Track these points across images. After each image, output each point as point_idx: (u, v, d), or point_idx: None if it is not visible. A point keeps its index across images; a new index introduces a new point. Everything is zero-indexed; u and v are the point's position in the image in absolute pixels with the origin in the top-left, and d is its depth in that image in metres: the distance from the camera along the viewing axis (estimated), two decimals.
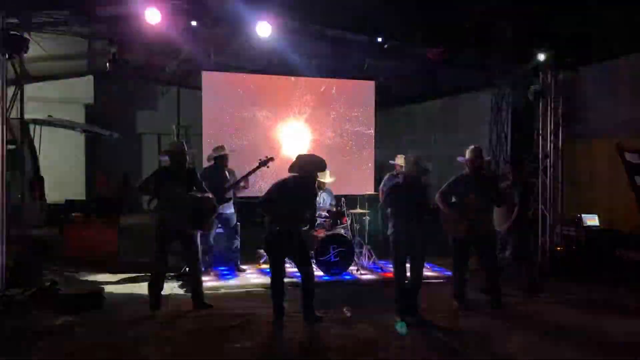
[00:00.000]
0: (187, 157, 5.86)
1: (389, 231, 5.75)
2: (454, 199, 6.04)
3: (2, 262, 6.06)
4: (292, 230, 5.45)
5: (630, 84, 8.61)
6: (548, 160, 8.74)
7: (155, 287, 5.74)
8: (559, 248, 8.38)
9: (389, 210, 5.83)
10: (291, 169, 5.55)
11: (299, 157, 5.60)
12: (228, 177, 7.51)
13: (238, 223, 7.93)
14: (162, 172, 5.84)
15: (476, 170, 5.99)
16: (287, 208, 5.38)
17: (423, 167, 5.64)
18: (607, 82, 9.01)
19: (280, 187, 5.52)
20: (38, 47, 9.19)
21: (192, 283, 5.98)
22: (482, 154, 6.09)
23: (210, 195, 5.87)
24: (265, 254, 7.74)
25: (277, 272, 5.54)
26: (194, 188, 5.82)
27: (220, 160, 7.53)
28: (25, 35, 6.54)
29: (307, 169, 5.49)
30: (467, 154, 6.07)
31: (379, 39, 9.35)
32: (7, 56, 6.28)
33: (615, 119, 8.69)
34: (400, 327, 5.27)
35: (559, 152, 8.73)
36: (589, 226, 8.29)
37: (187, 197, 5.66)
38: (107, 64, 8.17)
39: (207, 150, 8.43)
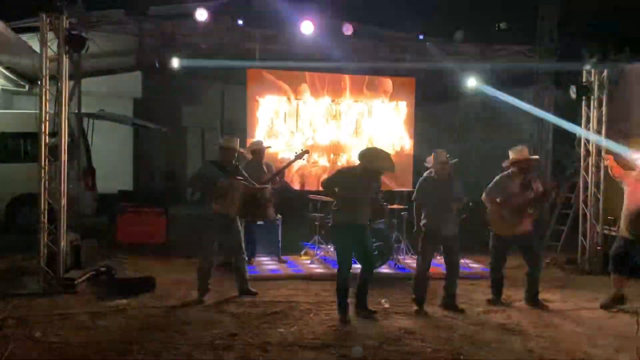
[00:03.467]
0: (237, 154, 6.17)
1: (422, 222, 5.92)
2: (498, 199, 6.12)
3: (63, 247, 6.49)
4: (361, 223, 5.57)
5: None
6: (590, 159, 8.68)
7: (204, 273, 6.06)
8: (599, 247, 8.34)
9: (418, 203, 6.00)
10: (361, 158, 5.57)
11: (375, 150, 5.77)
12: (265, 170, 7.78)
13: (279, 215, 8.21)
14: (211, 165, 6.14)
15: (522, 171, 6.04)
16: (356, 198, 5.49)
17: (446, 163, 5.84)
18: None
19: (349, 174, 5.67)
20: (91, 43, 9.70)
21: (237, 270, 6.29)
22: (527, 154, 6.08)
23: (266, 186, 6.15)
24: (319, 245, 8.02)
25: (346, 263, 5.56)
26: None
27: (256, 154, 7.80)
28: (84, 34, 6.93)
29: (376, 163, 5.50)
30: (512, 155, 6.10)
31: (420, 36, 9.50)
32: (68, 54, 6.67)
33: None
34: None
35: (602, 151, 8.65)
36: None
37: (238, 186, 5.92)
38: (157, 63, 8.56)
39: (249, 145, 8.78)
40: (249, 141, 8.76)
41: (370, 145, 9.31)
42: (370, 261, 5.76)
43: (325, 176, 5.83)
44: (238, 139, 6.26)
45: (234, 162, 6.16)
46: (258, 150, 7.78)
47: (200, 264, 6.09)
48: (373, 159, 5.50)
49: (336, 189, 5.57)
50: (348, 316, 5.47)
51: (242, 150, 6.37)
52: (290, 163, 7.38)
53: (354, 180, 5.53)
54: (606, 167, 6.53)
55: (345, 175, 5.73)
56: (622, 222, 5.95)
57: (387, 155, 5.70)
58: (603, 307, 6.09)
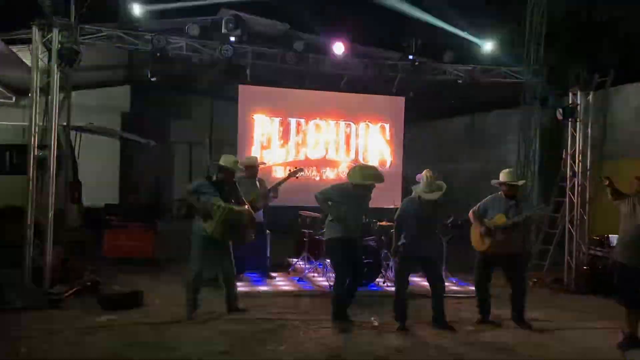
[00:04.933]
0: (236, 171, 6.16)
1: (400, 242, 5.96)
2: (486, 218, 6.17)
3: (49, 261, 6.40)
4: (354, 237, 5.82)
5: None
6: (576, 180, 8.81)
7: (194, 289, 6.01)
8: (585, 267, 8.42)
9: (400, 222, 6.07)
10: (351, 176, 5.77)
11: (361, 167, 5.88)
12: (258, 186, 7.79)
13: (268, 231, 8.19)
14: (208, 184, 6.12)
15: (509, 193, 6.10)
16: (348, 212, 5.71)
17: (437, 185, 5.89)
18: (637, 102, 9.07)
19: (341, 190, 5.84)
20: (82, 57, 9.68)
21: (227, 287, 6.23)
22: (515, 178, 6.17)
23: (247, 207, 6.09)
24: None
25: (343, 276, 5.79)
26: (233, 200, 6.01)
27: (250, 170, 7.81)
28: (77, 48, 6.92)
29: (363, 178, 5.70)
30: (501, 177, 6.16)
31: (410, 57, 9.62)
32: (60, 67, 6.66)
33: None
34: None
35: (587, 172, 8.79)
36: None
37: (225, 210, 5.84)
38: (149, 75, 8.57)
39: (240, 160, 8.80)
40: (243, 156, 8.78)
41: (358, 162, 9.42)
42: (361, 275, 5.94)
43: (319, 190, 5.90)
44: (237, 159, 6.25)
45: (231, 180, 6.13)
46: (251, 166, 7.79)
47: (189, 280, 6.03)
48: (359, 174, 5.70)
49: (329, 203, 5.79)
50: (347, 325, 5.71)
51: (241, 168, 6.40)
52: (283, 181, 7.43)
53: (346, 195, 5.76)
54: (592, 189, 6.27)
55: (338, 190, 5.90)
56: (618, 247, 5.69)
57: (372, 167, 5.84)
58: (621, 348, 5.40)
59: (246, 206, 6.07)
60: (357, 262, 5.91)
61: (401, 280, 5.97)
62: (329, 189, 5.98)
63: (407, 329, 5.80)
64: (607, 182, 5.75)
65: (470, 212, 6.28)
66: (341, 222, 5.73)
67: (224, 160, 6.10)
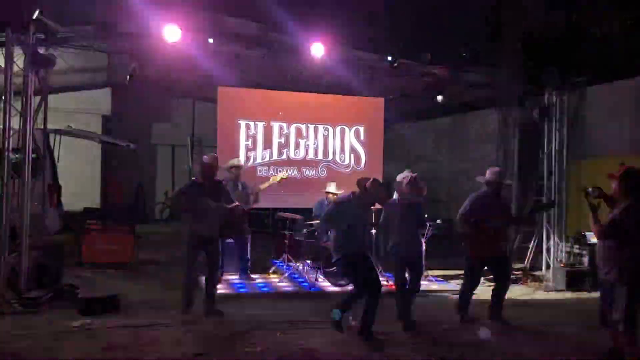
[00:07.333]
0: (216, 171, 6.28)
1: (390, 244, 6.07)
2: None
3: (25, 265, 6.34)
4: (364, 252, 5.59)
5: (634, 104, 8.82)
6: (553, 178, 8.93)
7: (187, 288, 6.16)
8: (562, 265, 8.54)
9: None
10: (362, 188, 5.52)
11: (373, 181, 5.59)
12: (240, 189, 7.81)
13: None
14: (193, 185, 6.19)
15: (495, 192, 6.10)
16: (354, 229, 5.44)
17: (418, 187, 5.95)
18: (611, 102, 9.21)
19: (345, 208, 5.55)
20: (60, 60, 9.59)
21: (208, 289, 6.22)
22: (503, 177, 6.17)
23: (237, 204, 6.29)
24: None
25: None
26: (222, 199, 6.17)
27: (233, 172, 7.85)
28: (52, 52, 6.87)
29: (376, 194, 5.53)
30: (489, 175, 6.11)
31: (389, 58, 9.68)
32: (34, 71, 6.60)
33: (620, 138, 8.88)
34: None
35: (564, 170, 8.93)
36: (593, 244, 8.36)
37: (218, 207, 6.02)
38: (127, 78, 8.54)
39: (220, 163, 8.79)
40: (225, 158, 8.77)
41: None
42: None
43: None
44: (217, 156, 6.33)
45: (214, 179, 6.20)
46: (235, 169, 7.83)
47: (184, 281, 6.17)
48: (374, 189, 5.47)
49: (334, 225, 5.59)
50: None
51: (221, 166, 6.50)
52: (267, 186, 7.53)
53: (351, 210, 5.50)
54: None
55: (341, 206, 5.64)
56: None
57: (384, 187, 5.82)
58: None
59: (234, 203, 6.26)
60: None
61: (400, 281, 6.03)
62: (333, 207, 5.75)
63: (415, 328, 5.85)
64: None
65: (461, 218, 6.00)
66: (351, 238, 5.52)
67: (206, 158, 6.24)
